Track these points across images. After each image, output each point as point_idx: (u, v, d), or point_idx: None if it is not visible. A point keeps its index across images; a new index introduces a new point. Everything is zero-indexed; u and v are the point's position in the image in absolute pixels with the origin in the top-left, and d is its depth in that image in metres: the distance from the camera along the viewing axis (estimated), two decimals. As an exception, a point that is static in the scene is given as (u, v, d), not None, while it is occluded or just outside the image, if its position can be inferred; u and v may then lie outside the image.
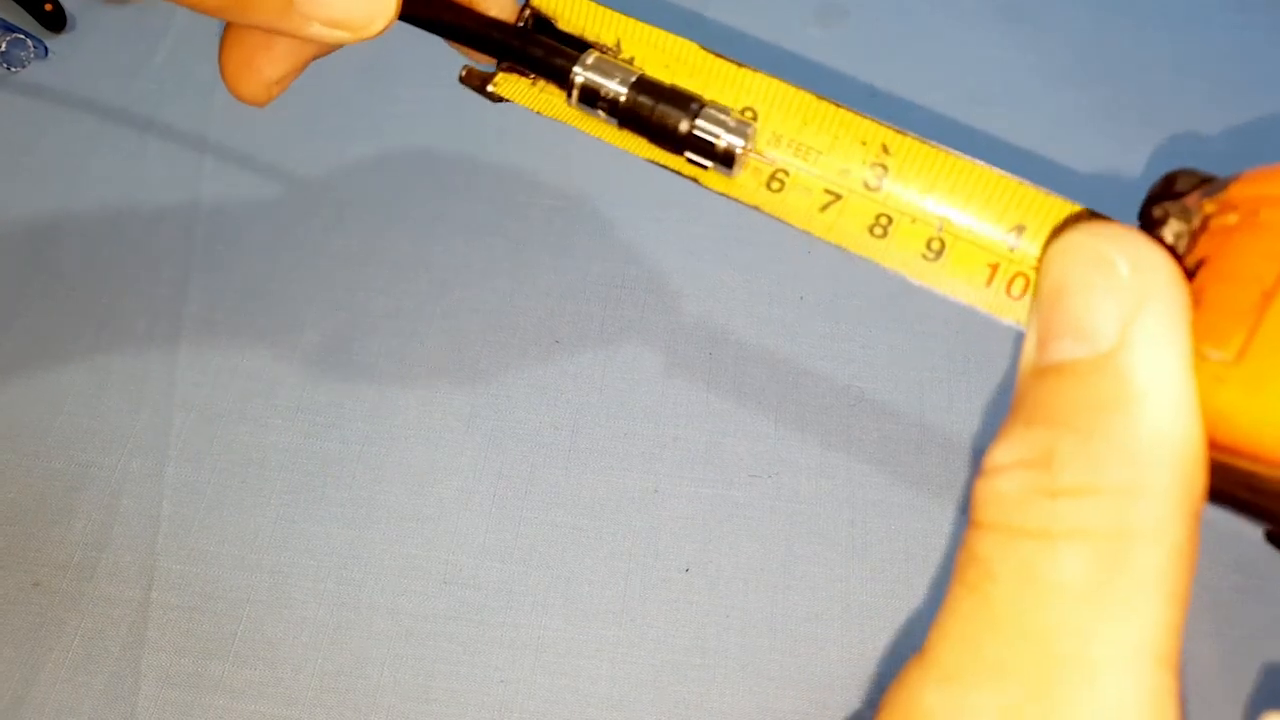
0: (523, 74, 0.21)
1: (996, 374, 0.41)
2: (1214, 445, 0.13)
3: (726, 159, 0.19)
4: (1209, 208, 0.15)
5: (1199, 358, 0.13)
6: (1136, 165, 0.48)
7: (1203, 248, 0.14)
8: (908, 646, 0.34)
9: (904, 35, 0.53)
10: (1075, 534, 0.13)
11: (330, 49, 0.24)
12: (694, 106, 0.19)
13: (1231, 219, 0.14)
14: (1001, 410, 0.37)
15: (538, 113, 0.21)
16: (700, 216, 0.45)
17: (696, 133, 0.19)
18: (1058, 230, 0.17)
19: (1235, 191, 0.15)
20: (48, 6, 0.50)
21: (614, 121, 0.20)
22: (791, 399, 0.39)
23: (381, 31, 0.20)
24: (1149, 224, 0.16)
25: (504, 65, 0.21)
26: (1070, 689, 0.13)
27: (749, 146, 0.19)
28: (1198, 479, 0.13)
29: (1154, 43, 0.53)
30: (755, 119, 0.19)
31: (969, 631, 0.14)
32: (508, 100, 0.21)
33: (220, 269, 0.42)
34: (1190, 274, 0.14)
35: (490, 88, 0.21)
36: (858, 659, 0.34)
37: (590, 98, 0.20)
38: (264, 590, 0.34)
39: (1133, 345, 0.13)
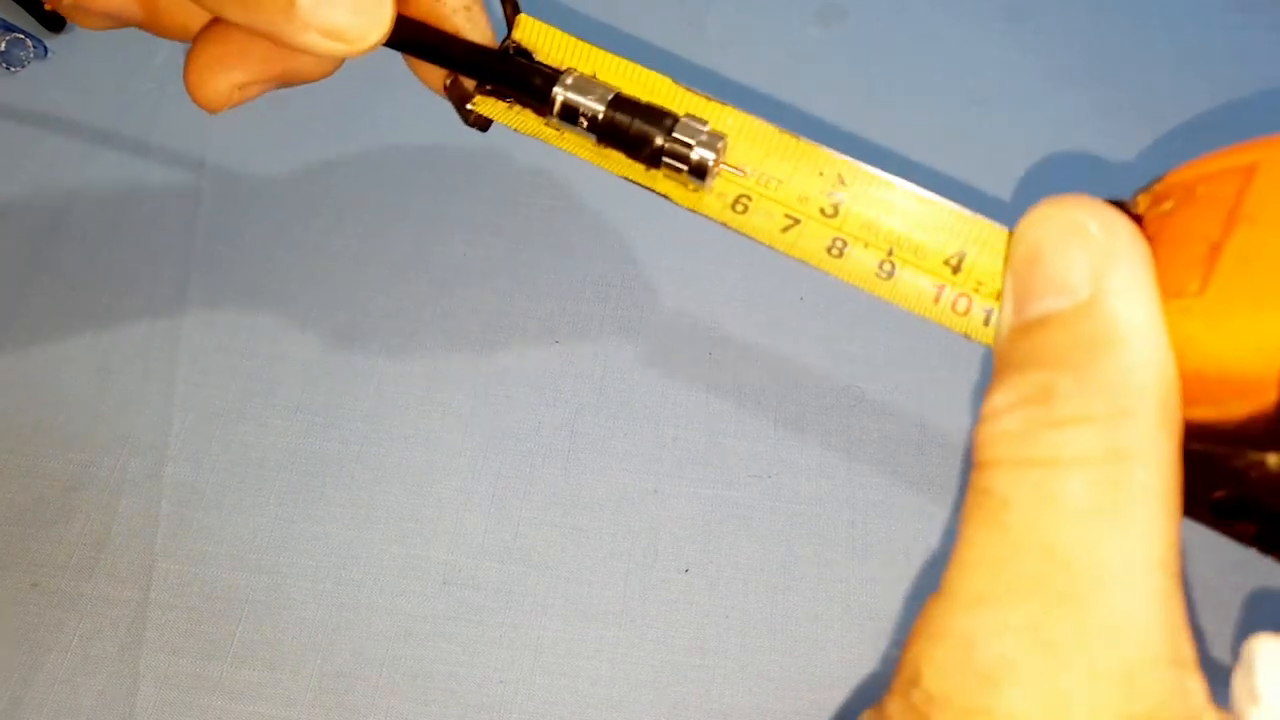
0: (500, 97, 0.22)
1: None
2: (1182, 378, 0.15)
3: (699, 171, 0.20)
4: (1144, 202, 0.17)
5: (1166, 297, 0.15)
6: (1136, 165, 0.48)
7: (1146, 232, 0.16)
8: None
9: (904, 35, 0.53)
10: (1078, 459, 0.14)
11: (299, 77, 0.24)
12: (668, 122, 0.20)
13: (1168, 205, 0.17)
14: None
15: (514, 130, 0.22)
16: (700, 217, 0.45)
17: (671, 146, 0.20)
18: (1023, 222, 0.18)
19: (1168, 181, 0.17)
20: (47, 6, 0.50)
21: (592, 137, 0.21)
22: (791, 399, 0.39)
23: (372, 48, 0.21)
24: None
25: (484, 88, 0.22)
26: (1087, 596, 0.14)
27: (720, 159, 0.20)
28: (1176, 402, 0.15)
29: (1154, 43, 0.53)
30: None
31: (989, 558, 0.15)
32: (482, 122, 0.23)
33: (220, 269, 0.42)
34: None
35: (469, 106, 0.23)
36: (858, 659, 0.33)
37: (570, 114, 0.21)
38: (263, 591, 0.34)
39: (1109, 293, 0.15)
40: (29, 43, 0.49)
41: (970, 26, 0.54)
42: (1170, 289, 0.16)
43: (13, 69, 0.49)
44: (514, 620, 0.34)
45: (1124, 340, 0.15)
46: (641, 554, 0.35)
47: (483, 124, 0.23)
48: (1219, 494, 0.16)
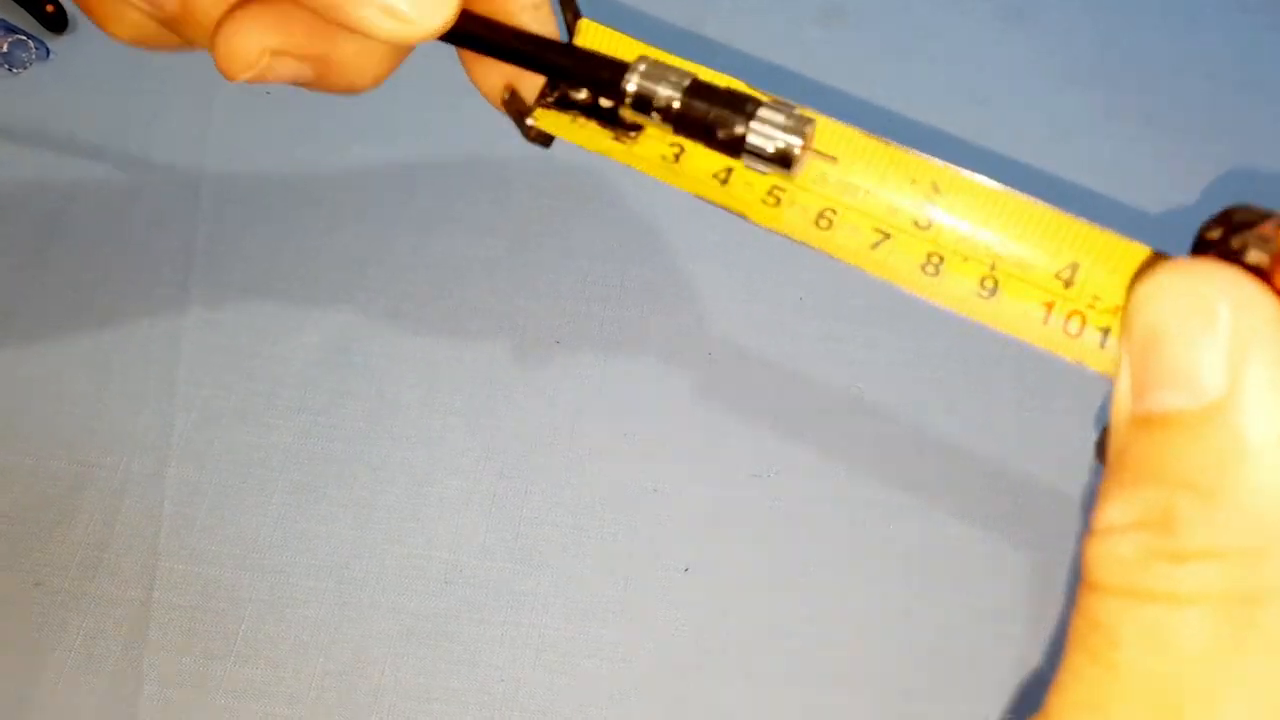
0: (562, 109, 0.21)
1: (996, 375, 0.41)
2: None
3: (785, 160, 0.18)
4: (1270, 242, 0.15)
5: None
6: (1137, 165, 0.48)
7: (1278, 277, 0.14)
8: (908, 646, 0.34)
9: (904, 35, 0.53)
10: (1202, 598, 0.13)
11: (332, 72, 0.22)
12: (749, 107, 0.18)
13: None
14: (1002, 410, 0.37)
15: (579, 146, 0.21)
16: (701, 217, 0.45)
17: (752, 136, 0.18)
18: (1139, 272, 0.16)
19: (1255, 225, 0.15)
20: (49, 8, 0.50)
21: (669, 127, 0.19)
22: (791, 399, 0.39)
23: (431, 36, 0.19)
24: (1227, 255, 0.15)
25: (546, 101, 0.21)
26: None
27: (808, 145, 0.18)
28: None
29: (1154, 43, 0.53)
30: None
31: (1094, 699, 0.14)
32: (543, 138, 0.21)
33: (220, 269, 0.42)
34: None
35: (530, 120, 0.21)
36: (857, 659, 0.34)
37: (644, 104, 0.19)
38: (265, 590, 0.34)
39: (1242, 395, 0.13)
40: (31, 44, 0.49)
41: (971, 26, 0.54)
42: None
43: (15, 70, 0.49)
44: (515, 620, 0.34)
45: (1259, 459, 0.13)
46: (642, 553, 0.36)
47: (544, 139, 0.21)
48: None
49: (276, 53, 0.21)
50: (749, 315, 0.42)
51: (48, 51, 0.49)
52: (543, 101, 0.21)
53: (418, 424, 0.38)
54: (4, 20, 0.49)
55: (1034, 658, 0.34)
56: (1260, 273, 0.14)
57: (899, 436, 0.38)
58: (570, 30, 0.21)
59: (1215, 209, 0.16)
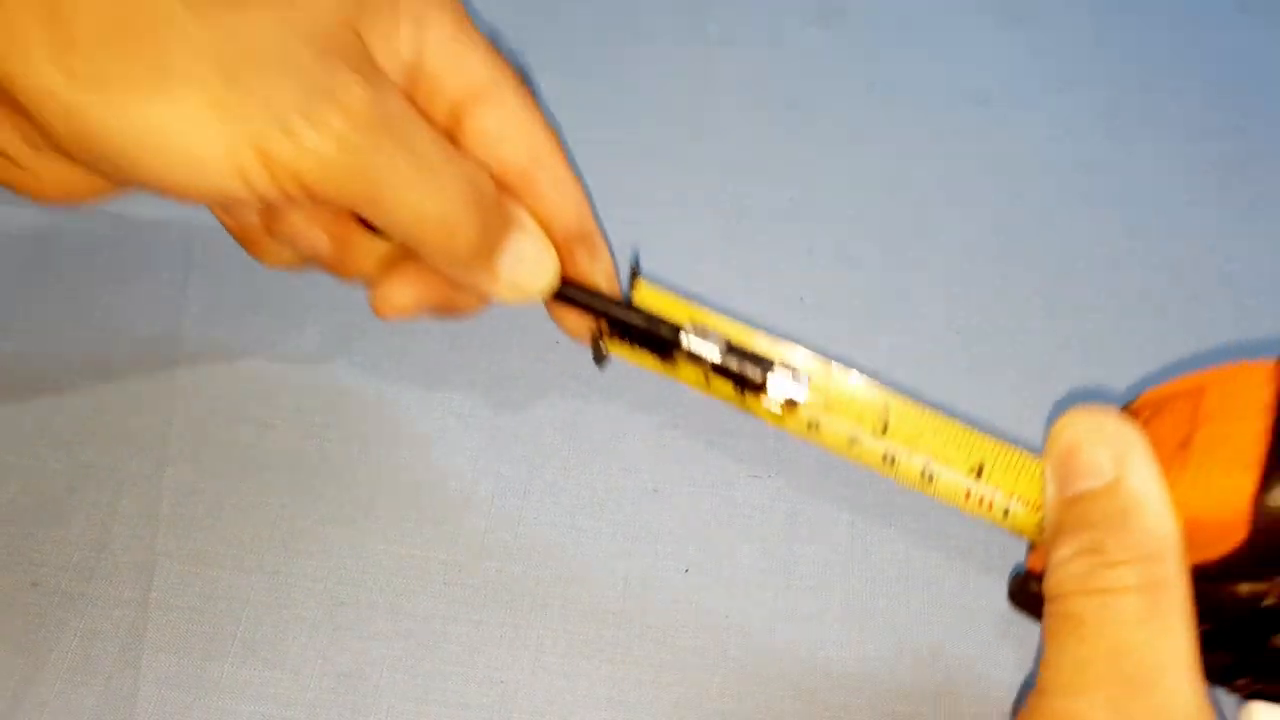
0: (624, 340, 0.30)
1: (996, 376, 0.41)
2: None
3: (791, 403, 0.28)
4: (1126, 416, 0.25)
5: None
6: (1137, 166, 0.48)
7: None
8: (907, 647, 0.34)
9: (903, 35, 0.53)
10: (1129, 587, 0.21)
11: (454, 309, 0.29)
12: (765, 364, 0.28)
13: (1145, 416, 0.25)
14: (1001, 410, 0.37)
15: (637, 365, 0.30)
16: (701, 217, 0.45)
17: (770, 385, 0.28)
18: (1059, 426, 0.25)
19: (1141, 401, 0.26)
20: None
21: (710, 370, 0.29)
22: (791, 399, 0.39)
23: (538, 298, 0.28)
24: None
25: (613, 333, 0.30)
26: (1151, 680, 0.20)
27: (806, 397, 0.28)
28: (1183, 547, 0.22)
29: (1154, 43, 0.53)
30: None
31: (1074, 660, 0.21)
32: (606, 358, 0.31)
33: (220, 269, 0.42)
34: None
35: (603, 348, 0.30)
36: (858, 659, 0.34)
37: (696, 358, 0.29)
38: (264, 591, 0.34)
39: (1129, 475, 0.22)
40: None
41: (971, 26, 0.54)
42: (1161, 470, 0.23)
43: (13, 69, 0.49)
44: (514, 620, 0.34)
45: (1145, 508, 0.22)
46: (642, 554, 0.36)
47: (606, 359, 0.31)
48: (1204, 627, 0.22)
49: (420, 303, 0.28)
50: (749, 315, 0.42)
51: (46, 51, 0.49)
52: (611, 334, 0.30)
53: (417, 424, 0.38)
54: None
55: (1032, 660, 0.34)
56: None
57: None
58: (631, 283, 0.30)
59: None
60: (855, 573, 0.35)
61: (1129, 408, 0.26)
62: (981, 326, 0.42)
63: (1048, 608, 0.22)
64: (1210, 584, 0.22)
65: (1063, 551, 0.22)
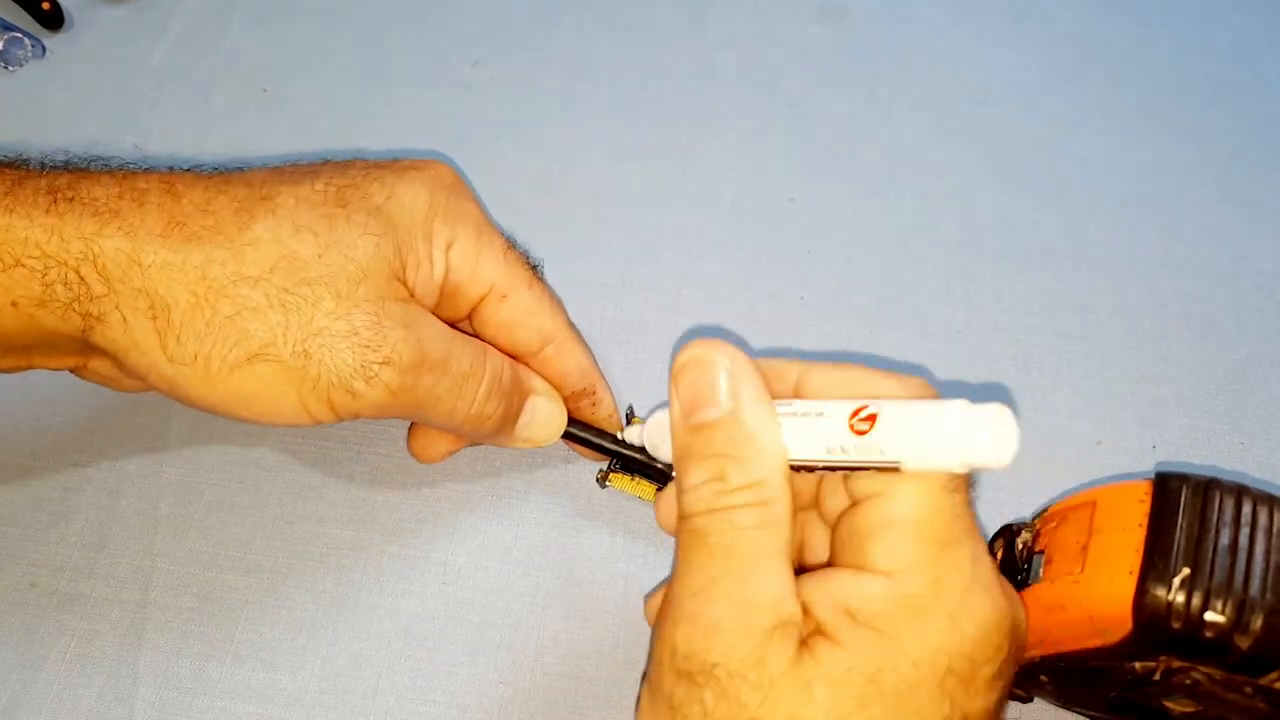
0: (625, 472, 0.36)
1: (995, 376, 0.41)
2: (1083, 621, 0.27)
3: None
4: (1038, 524, 0.30)
5: (1060, 577, 0.27)
6: (1137, 165, 0.48)
7: (1040, 543, 0.29)
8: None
9: (904, 34, 0.53)
10: (743, 505, 0.25)
11: (481, 443, 0.35)
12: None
13: (1053, 524, 0.29)
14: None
15: (636, 497, 0.36)
16: (701, 217, 0.45)
17: None
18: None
19: (1051, 511, 0.30)
20: (45, 5, 0.50)
21: None
22: (791, 399, 0.39)
23: (549, 444, 0.34)
24: (1008, 537, 0.30)
25: (615, 467, 0.36)
26: (751, 573, 0.25)
27: None
28: (787, 471, 0.26)
29: (1154, 43, 0.53)
30: None
31: (698, 564, 0.25)
32: (615, 488, 0.36)
33: (219, 269, 0.42)
34: (1042, 552, 0.29)
35: (607, 481, 0.36)
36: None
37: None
38: (262, 591, 0.34)
39: (743, 408, 0.26)
40: (27, 42, 0.49)
41: (971, 25, 0.54)
42: (1065, 570, 0.27)
43: (11, 68, 0.48)
44: (513, 621, 0.34)
45: (755, 438, 0.25)
46: (642, 554, 0.35)
47: (605, 484, 0.36)
48: (1112, 694, 0.28)
49: (452, 450, 0.36)
50: (749, 315, 0.42)
51: (44, 49, 0.49)
52: (613, 468, 0.36)
53: (416, 424, 0.38)
54: (1, 18, 0.49)
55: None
56: (1028, 547, 0.30)
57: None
58: (628, 421, 0.37)
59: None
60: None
61: (1042, 515, 0.30)
62: (981, 326, 0.42)
63: (680, 524, 0.26)
64: (1112, 661, 0.27)
65: (693, 477, 0.26)
